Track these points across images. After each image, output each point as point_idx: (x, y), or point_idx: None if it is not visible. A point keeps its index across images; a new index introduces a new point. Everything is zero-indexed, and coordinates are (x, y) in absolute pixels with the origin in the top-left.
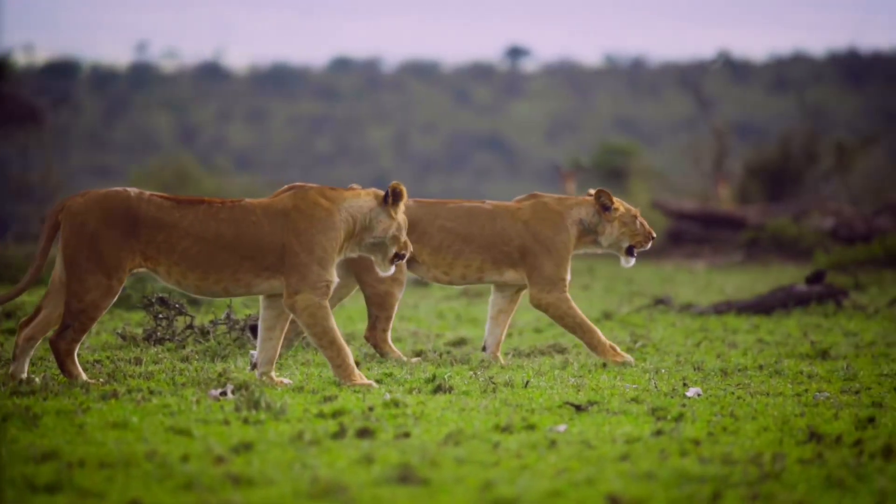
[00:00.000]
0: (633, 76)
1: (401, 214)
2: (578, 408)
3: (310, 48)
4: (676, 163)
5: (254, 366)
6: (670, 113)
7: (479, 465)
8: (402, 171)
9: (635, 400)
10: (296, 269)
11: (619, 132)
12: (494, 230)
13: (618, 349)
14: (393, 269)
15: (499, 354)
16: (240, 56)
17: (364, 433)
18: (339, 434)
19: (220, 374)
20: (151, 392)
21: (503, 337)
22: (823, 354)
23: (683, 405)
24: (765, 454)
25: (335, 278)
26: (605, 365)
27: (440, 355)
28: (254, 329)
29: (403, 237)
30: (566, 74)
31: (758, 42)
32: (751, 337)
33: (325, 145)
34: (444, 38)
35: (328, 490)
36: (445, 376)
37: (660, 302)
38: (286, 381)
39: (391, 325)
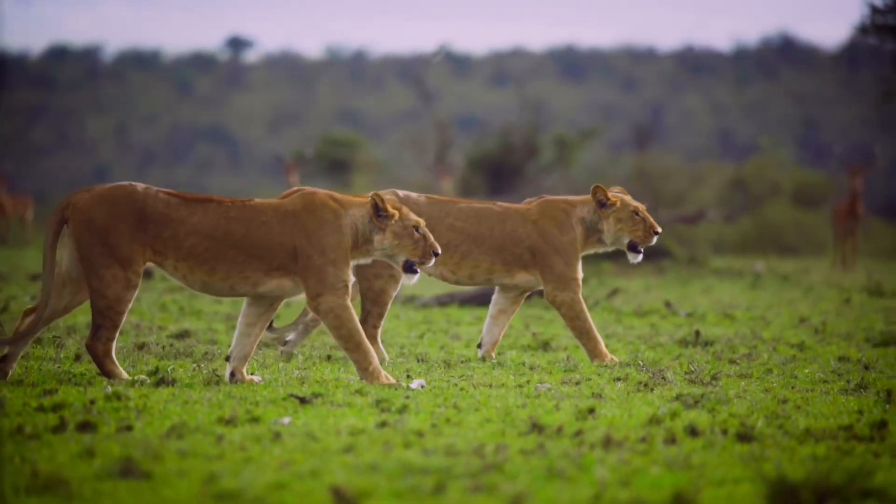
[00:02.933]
0: (355, 68)
1: (395, 225)
2: (303, 400)
3: (26, 36)
4: (399, 155)
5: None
6: (393, 105)
7: (203, 457)
8: (123, 163)
9: (359, 392)
10: (311, 272)
11: (342, 124)
12: (504, 232)
13: (613, 357)
14: (415, 278)
15: (493, 354)
16: None
17: (85, 427)
18: (60, 428)
19: None
20: None
21: (500, 337)
22: (545, 346)
23: (407, 397)
24: (487, 445)
25: (351, 278)
26: (329, 357)
27: (163, 348)
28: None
29: (410, 244)
30: (288, 66)
31: (478, 36)
32: (473, 329)
33: (43, 136)
34: (165, 27)
35: (48, 484)
36: (168, 369)
37: None
38: (256, 378)
39: (382, 322)
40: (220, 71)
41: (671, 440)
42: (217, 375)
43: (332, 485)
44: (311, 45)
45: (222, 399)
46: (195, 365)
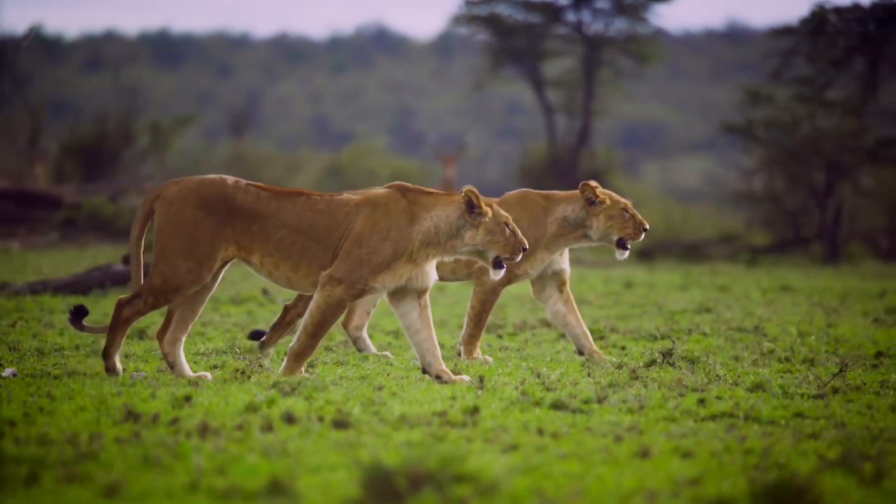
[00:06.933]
0: None
1: (489, 221)
2: None
3: None
4: None
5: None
6: None
7: None
8: None
9: None
10: (350, 258)
11: None
12: None
13: (479, 353)
14: (501, 273)
15: (595, 347)
16: None
17: None
18: None
19: None
20: None
21: (587, 329)
22: (140, 334)
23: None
24: (82, 434)
25: (380, 286)
26: None
27: None
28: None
29: (502, 240)
30: None
31: (70, 20)
32: (66, 317)
33: None
34: None
35: None
36: None
37: None
38: (470, 373)
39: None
40: None
41: (268, 427)
42: None
43: None
44: None
45: None
46: None
